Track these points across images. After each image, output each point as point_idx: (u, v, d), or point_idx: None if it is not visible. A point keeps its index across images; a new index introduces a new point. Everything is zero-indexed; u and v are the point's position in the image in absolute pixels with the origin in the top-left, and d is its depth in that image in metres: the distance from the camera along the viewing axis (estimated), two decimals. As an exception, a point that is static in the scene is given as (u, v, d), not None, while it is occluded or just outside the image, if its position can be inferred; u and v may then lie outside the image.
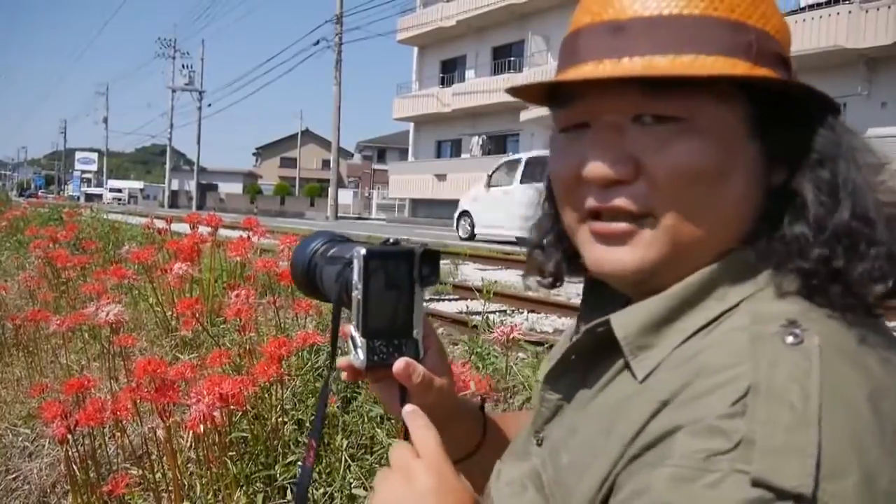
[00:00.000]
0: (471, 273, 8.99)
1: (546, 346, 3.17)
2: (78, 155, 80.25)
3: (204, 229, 4.44)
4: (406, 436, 0.73)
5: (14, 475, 2.62)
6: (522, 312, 6.23)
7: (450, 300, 7.01)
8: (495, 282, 6.84)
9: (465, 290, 7.06)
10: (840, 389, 0.49)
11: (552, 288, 0.79)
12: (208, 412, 1.78)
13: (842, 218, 0.56)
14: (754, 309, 0.56)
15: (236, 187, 59.00)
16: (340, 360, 0.71)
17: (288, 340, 2.12)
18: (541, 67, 23.89)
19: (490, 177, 15.61)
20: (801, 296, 0.56)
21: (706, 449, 0.48)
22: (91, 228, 8.20)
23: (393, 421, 2.14)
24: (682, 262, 0.60)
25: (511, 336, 2.37)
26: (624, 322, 0.61)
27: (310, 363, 2.50)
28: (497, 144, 28.40)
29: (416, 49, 33.05)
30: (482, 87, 26.81)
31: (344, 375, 0.72)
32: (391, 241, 0.68)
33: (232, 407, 1.92)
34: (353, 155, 60.72)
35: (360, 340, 0.67)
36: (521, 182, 13.92)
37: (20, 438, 2.86)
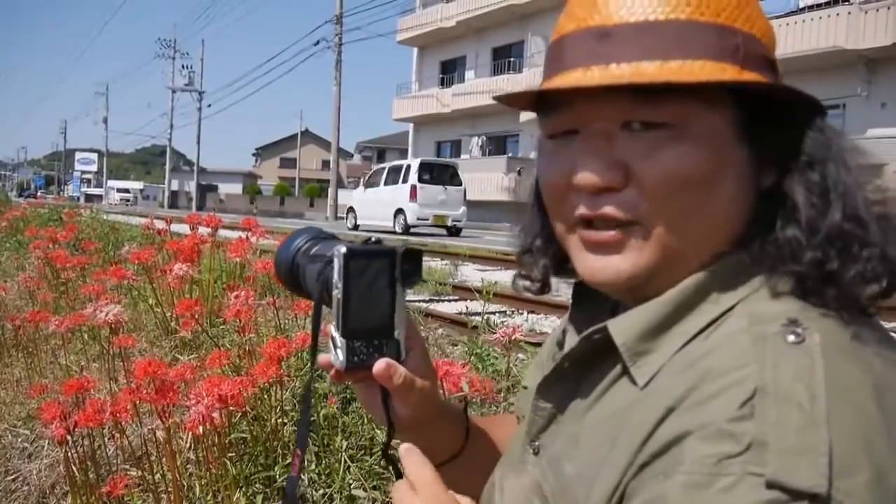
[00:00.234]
0: (470, 274, 8.99)
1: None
2: (78, 155, 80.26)
3: (204, 230, 4.43)
4: (385, 454, 0.73)
5: (13, 476, 2.62)
6: (522, 313, 6.23)
7: (449, 301, 7.01)
8: (495, 282, 6.82)
9: (464, 291, 7.07)
10: (845, 387, 0.49)
11: (541, 293, 0.78)
12: (208, 413, 1.78)
13: (833, 220, 0.57)
14: (751, 310, 0.56)
15: (236, 188, 59.04)
16: (321, 358, 0.70)
17: (287, 341, 2.12)
18: (540, 68, 23.77)
19: (367, 180, 20.32)
20: (794, 296, 0.56)
21: (717, 453, 0.48)
22: (91, 229, 8.20)
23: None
24: (675, 267, 0.60)
25: (513, 337, 2.37)
26: (622, 329, 0.60)
27: (308, 364, 2.50)
28: (497, 145, 28.43)
29: (415, 50, 33.08)
30: (482, 88, 26.82)
31: (330, 375, 0.71)
32: (373, 239, 0.67)
33: (231, 408, 1.92)
34: (352, 155, 60.77)
35: (339, 340, 0.66)
36: (384, 185, 18.75)
37: (19, 439, 2.86)
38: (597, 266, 0.61)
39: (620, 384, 0.60)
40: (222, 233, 4.98)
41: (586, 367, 0.64)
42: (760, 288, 0.58)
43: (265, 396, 2.25)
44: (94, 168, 76.95)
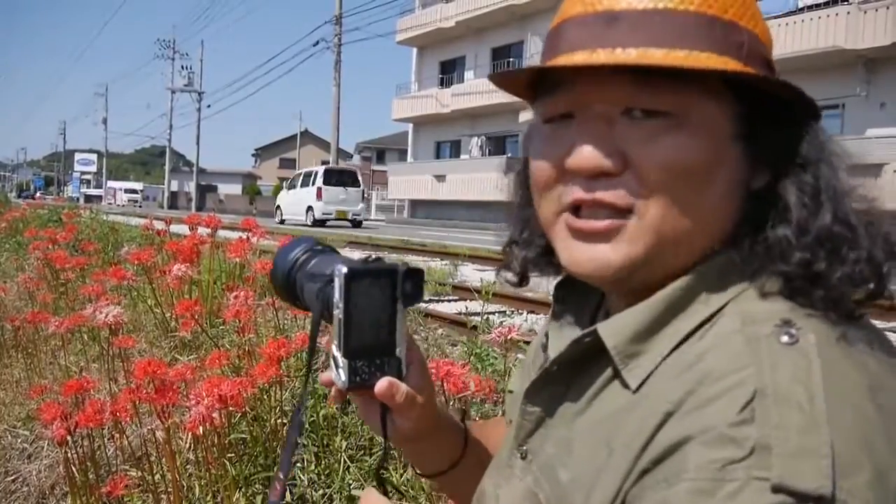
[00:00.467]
0: (470, 274, 8.99)
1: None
2: (77, 156, 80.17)
3: (203, 230, 4.43)
4: (378, 472, 0.73)
5: (13, 477, 2.62)
6: (522, 313, 6.23)
7: (449, 301, 7.01)
8: (494, 282, 6.83)
9: (464, 291, 7.06)
10: (842, 387, 0.49)
11: (519, 286, 0.78)
12: (207, 413, 1.78)
13: (824, 221, 0.57)
14: (742, 310, 0.56)
15: (235, 188, 59.02)
16: (322, 377, 0.70)
17: (287, 342, 2.12)
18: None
19: (289, 183, 25.34)
20: (782, 296, 0.56)
21: (721, 459, 0.48)
22: (90, 230, 8.20)
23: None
24: (665, 260, 0.60)
25: (509, 337, 2.37)
26: (612, 332, 0.60)
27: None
28: (496, 145, 28.42)
29: (415, 50, 33.06)
30: (481, 88, 26.81)
31: (331, 394, 0.71)
32: (373, 258, 0.67)
33: (231, 408, 1.92)
34: (352, 156, 60.69)
35: (341, 360, 0.66)
36: (301, 187, 23.84)
37: (19, 440, 2.86)
38: (584, 256, 0.61)
39: (612, 387, 0.60)
40: (222, 233, 4.98)
41: (575, 371, 0.64)
42: (749, 288, 0.58)
43: (265, 397, 2.25)
44: (93, 169, 76.89)
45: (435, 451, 0.79)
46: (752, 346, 0.52)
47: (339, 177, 23.21)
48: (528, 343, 3.18)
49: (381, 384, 0.66)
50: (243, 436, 2.20)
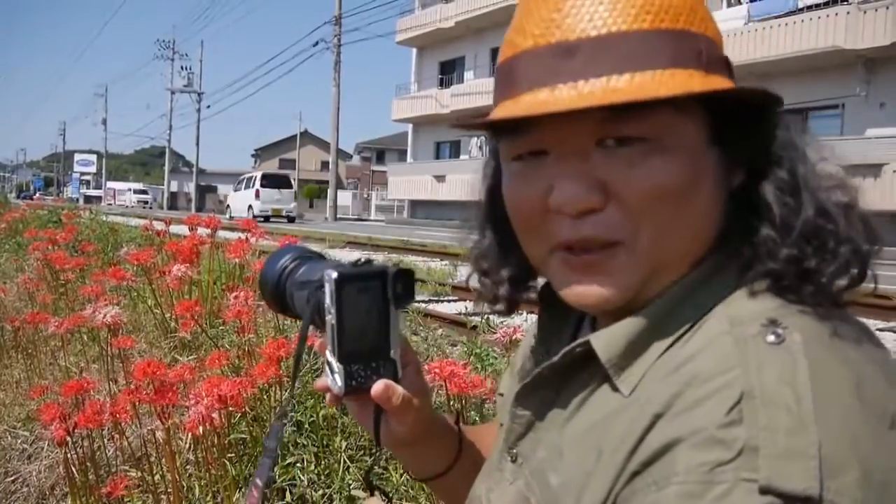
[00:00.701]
0: (470, 274, 8.97)
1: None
2: (77, 157, 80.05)
3: (203, 231, 4.43)
4: (367, 475, 0.73)
5: (13, 477, 2.62)
6: (522, 313, 6.22)
7: (449, 301, 7.01)
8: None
9: (464, 291, 7.05)
10: (828, 386, 0.49)
11: (509, 315, 0.77)
12: (207, 414, 1.78)
13: (807, 216, 0.57)
14: (730, 311, 0.56)
15: (235, 189, 58.90)
16: (317, 382, 0.70)
17: (287, 342, 2.12)
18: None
19: (235, 185, 30.12)
20: (771, 293, 0.56)
21: (710, 461, 0.48)
22: (90, 230, 8.19)
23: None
24: (662, 279, 0.59)
25: (514, 337, 2.37)
26: (605, 344, 0.59)
27: (308, 364, 2.50)
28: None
29: (414, 50, 33.06)
30: (481, 89, 26.80)
31: (328, 399, 0.70)
32: (362, 261, 0.66)
33: (231, 408, 1.92)
34: (352, 156, 60.71)
35: (336, 366, 0.65)
36: (244, 189, 28.34)
37: (19, 440, 2.86)
38: (583, 292, 0.60)
39: (601, 392, 0.60)
40: (221, 234, 4.98)
41: (566, 376, 0.63)
42: (737, 288, 0.58)
43: (264, 397, 2.25)
44: (93, 169, 76.82)
45: (430, 454, 0.79)
46: (739, 346, 0.52)
47: (274, 181, 27.91)
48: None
49: (378, 387, 0.66)
50: (243, 436, 2.20)
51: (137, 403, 2.07)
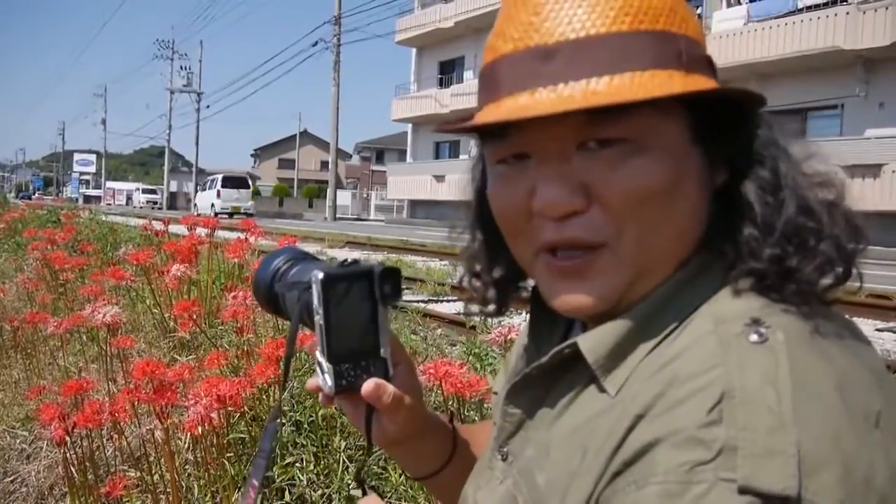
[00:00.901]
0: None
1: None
2: (76, 157, 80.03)
3: (201, 231, 4.43)
4: (358, 474, 0.73)
5: (12, 477, 2.62)
6: (521, 313, 6.21)
7: (448, 301, 7.01)
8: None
9: (462, 291, 7.04)
10: (810, 385, 0.49)
11: (498, 316, 0.77)
12: (206, 414, 1.78)
13: (788, 215, 0.56)
14: (714, 310, 0.56)
15: (235, 189, 58.80)
16: (309, 383, 0.70)
17: (285, 342, 2.12)
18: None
19: (202, 185, 34.78)
20: (755, 293, 0.56)
21: (689, 460, 0.48)
22: (89, 230, 8.19)
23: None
24: (647, 280, 0.59)
25: (509, 337, 2.37)
26: (593, 346, 0.59)
27: (307, 364, 2.50)
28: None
29: (414, 50, 33.06)
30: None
31: (320, 399, 0.70)
32: (349, 261, 0.66)
33: (230, 408, 1.92)
34: (351, 156, 60.73)
35: (326, 366, 0.65)
36: (208, 189, 32.74)
37: (18, 441, 2.86)
38: (566, 296, 0.60)
39: (589, 392, 0.60)
40: (221, 234, 4.98)
41: (555, 376, 0.64)
42: (722, 287, 0.58)
43: (263, 397, 2.25)
44: (92, 169, 76.80)
45: (424, 453, 0.78)
46: (723, 346, 0.52)
47: (233, 182, 32.17)
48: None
49: (368, 386, 0.66)
50: (242, 436, 2.20)
51: (136, 403, 2.07)
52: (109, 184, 66.76)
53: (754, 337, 0.52)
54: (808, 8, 17.13)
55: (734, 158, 0.60)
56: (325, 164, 53.65)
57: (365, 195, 42.49)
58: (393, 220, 31.23)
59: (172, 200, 50.10)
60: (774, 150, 0.59)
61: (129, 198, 57.13)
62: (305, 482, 2.08)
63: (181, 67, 50.50)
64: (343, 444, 2.17)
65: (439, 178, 27.88)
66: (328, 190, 31.04)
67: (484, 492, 0.68)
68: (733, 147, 0.60)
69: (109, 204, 48.85)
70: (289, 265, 0.75)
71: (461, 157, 29.33)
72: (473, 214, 0.74)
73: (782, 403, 0.48)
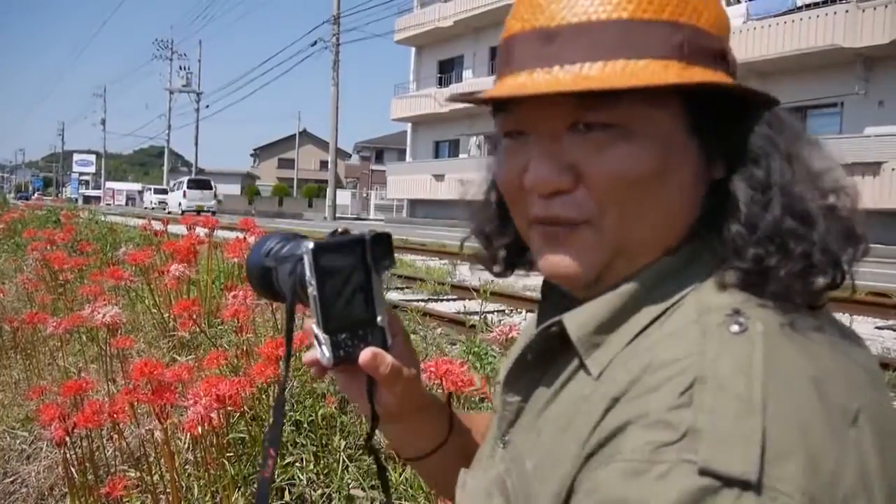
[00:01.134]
0: (468, 273, 8.99)
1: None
2: (76, 157, 79.98)
3: (201, 230, 4.43)
4: (369, 444, 0.73)
5: (12, 478, 2.62)
6: (521, 312, 6.24)
7: (448, 300, 7.02)
8: (492, 282, 6.85)
9: (462, 291, 7.08)
10: (783, 374, 0.50)
11: (503, 276, 0.78)
12: (206, 413, 1.78)
13: (772, 217, 0.57)
14: (699, 301, 0.57)
15: (234, 188, 58.93)
16: (306, 356, 0.69)
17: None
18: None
19: (170, 187, 39.68)
20: (738, 288, 0.57)
21: (654, 441, 0.48)
22: (88, 230, 8.19)
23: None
24: (630, 262, 0.60)
25: (510, 336, 2.37)
26: (577, 323, 0.61)
27: (302, 363, 2.50)
28: (495, 145, 28.41)
29: (413, 49, 33.06)
30: (480, 87, 26.69)
31: (314, 371, 0.70)
32: (339, 231, 0.66)
33: (229, 408, 1.92)
34: (351, 156, 60.70)
35: (322, 337, 0.65)
36: (177, 190, 36.46)
37: (18, 441, 2.86)
38: (553, 263, 0.62)
39: (578, 376, 0.61)
40: (220, 233, 4.98)
41: (549, 360, 0.64)
42: (709, 279, 0.58)
43: (263, 396, 2.25)
44: (92, 169, 76.77)
45: (419, 431, 0.78)
46: (704, 335, 0.53)
47: (198, 184, 35.36)
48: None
49: (366, 354, 0.65)
50: (242, 436, 2.20)
51: (136, 403, 2.07)
52: (109, 184, 66.72)
53: (735, 327, 0.53)
54: (808, 6, 17.14)
55: (729, 153, 0.60)
56: (324, 164, 53.68)
57: (364, 194, 42.51)
58: (392, 220, 31.22)
59: (172, 200, 50.04)
60: (771, 149, 0.59)
61: (130, 198, 56.82)
62: (305, 482, 2.08)
63: (180, 67, 50.60)
64: (343, 443, 2.17)
65: (439, 178, 27.88)
66: (328, 189, 31.07)
67: (475, 473, 0.69)
68: (729, 142, 0.60)
69: (109, 204, 48.79)
70: (280, 245, 0.75)
71: (461, 156, 29.32)
72: (492, 184, 0.75)
73: (752, 391, 0.48)
